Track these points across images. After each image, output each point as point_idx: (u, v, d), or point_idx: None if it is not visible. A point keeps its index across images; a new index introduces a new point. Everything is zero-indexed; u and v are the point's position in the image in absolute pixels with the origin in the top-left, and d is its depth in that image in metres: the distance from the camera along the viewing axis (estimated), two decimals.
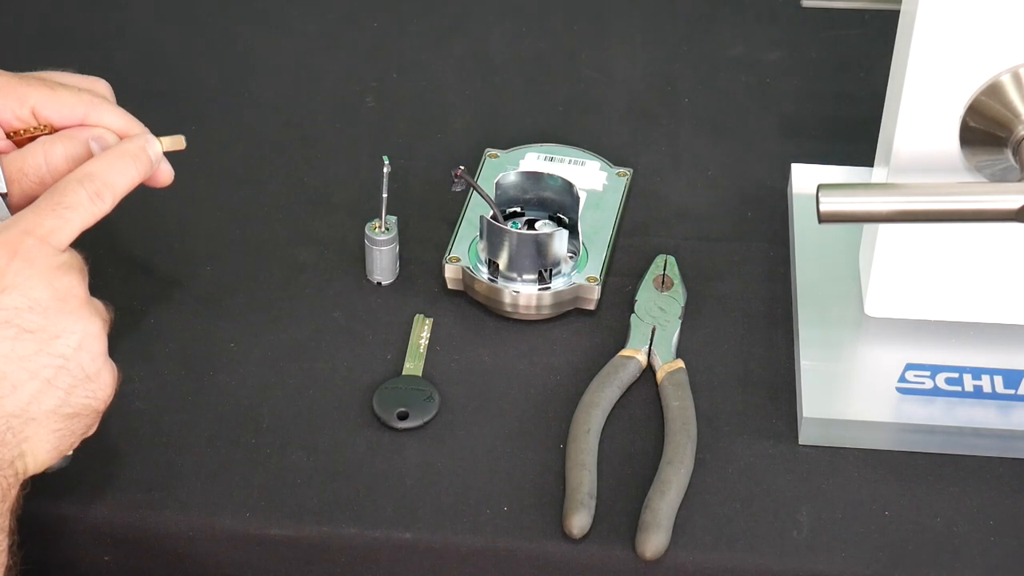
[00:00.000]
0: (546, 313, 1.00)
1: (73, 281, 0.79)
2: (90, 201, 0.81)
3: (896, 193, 0.86)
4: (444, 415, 0.95)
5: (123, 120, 0.89)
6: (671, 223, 1.09)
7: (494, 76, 1.24)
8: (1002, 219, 0.85)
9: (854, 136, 1.09)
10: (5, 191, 0.84)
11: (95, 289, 0.82)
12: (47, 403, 0.77)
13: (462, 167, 1.02)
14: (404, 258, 1.04)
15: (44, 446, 0.78)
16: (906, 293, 0.97)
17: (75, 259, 0.80)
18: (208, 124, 1.17)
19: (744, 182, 1.13)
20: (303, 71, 1.24)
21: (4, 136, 0.88)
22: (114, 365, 0.81)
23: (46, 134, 0.88)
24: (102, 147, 0.86)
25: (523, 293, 0.99)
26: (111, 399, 0.81)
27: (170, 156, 0.90)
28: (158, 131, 0.90)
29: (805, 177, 1.09)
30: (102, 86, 0.92)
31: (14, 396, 0.76)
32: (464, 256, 1.02)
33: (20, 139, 0.88)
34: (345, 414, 0.95)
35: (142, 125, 0.89)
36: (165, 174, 0.89)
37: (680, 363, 0.96)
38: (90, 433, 0.81)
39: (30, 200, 0.83)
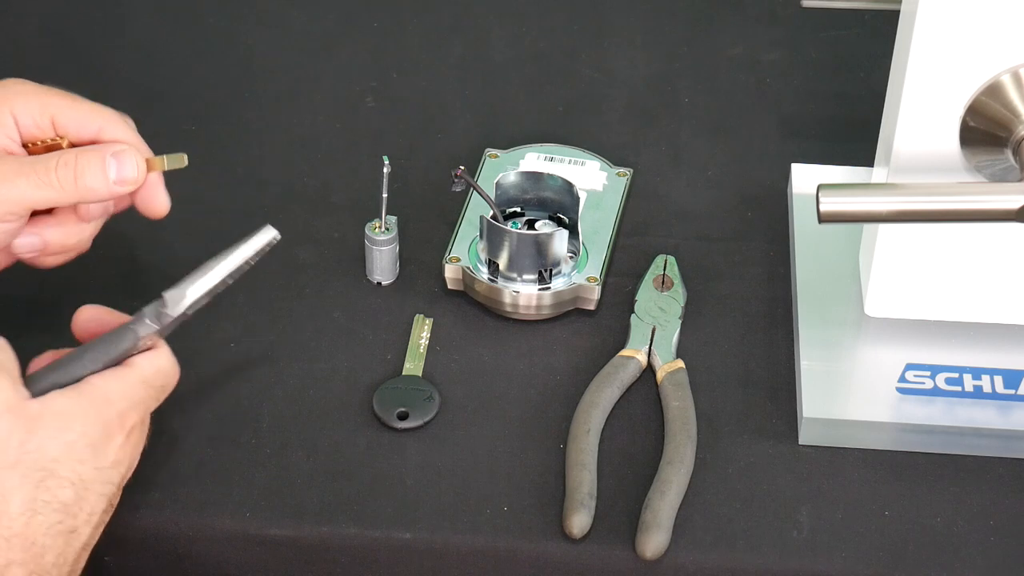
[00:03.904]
0: (546, 313, 1.00)
1: (136, 456, 0.85)
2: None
3: (896, 193, 0.86)
4: (444, 415, 0.95)
5: (134, 141, 0.89)
6: (671, 223, 1.09)
7: (494, 76, 1.24)
8: (1002, 219, 0.85)
9: (854, 136, 1.09)
10: (190, 313, 0.86)
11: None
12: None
13: (462, 167, 1.02)
14: (404, 258, 1.04)
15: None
16: (906, 293, 0.97)
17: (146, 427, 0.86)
18: (208, 124, 1.17)
19: (744, 182, 1.13)
20: (303, 71, 1.24)
21: (21, 144, 0.88)
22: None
23: (61, 147, 0.88)
24: (120, 163, 0.86)
25: (523, 293, 0.99)
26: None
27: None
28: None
29: (805, 177, 1.09)
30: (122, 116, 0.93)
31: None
32: (464, 256, 1.02)
33: (35, 150, 0.88)
34: (345, 414, 0.95)
35: (149, 149, 0.89)
36: (162, 205, 0.89)
37: (680, 363, 0.96)
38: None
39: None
